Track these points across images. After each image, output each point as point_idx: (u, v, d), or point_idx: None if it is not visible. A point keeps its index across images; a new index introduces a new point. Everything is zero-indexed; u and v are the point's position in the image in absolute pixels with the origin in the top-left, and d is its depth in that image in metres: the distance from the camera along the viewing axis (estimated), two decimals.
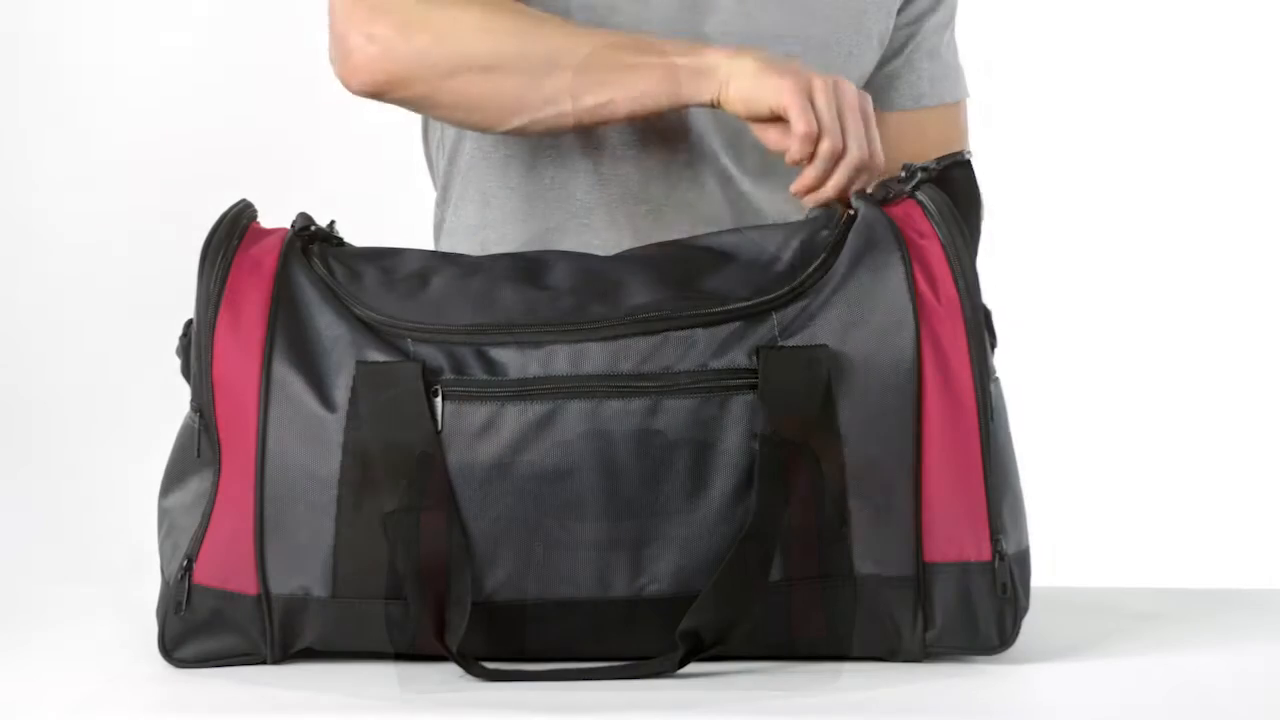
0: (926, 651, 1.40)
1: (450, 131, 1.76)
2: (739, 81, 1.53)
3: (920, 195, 1.44)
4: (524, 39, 1.57)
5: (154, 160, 3.21)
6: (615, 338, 1.39)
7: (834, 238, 1.44)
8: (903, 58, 1.81)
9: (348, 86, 1.61)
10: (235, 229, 1.45)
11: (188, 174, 3.16)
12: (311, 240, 1.47)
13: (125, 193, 3.22)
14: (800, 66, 1.53)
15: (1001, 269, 1.80)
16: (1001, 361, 1.47)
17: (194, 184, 3.06)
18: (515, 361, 1.39)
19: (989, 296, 1.45)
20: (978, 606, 1.39)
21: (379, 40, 1.57)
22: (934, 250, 1.42)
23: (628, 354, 1.39)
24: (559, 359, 1.39)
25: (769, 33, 1.70)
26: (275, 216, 1.51)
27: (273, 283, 1.42)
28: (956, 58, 1.85)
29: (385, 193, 2.78)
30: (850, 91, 1.52)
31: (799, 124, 1.50)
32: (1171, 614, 1.59)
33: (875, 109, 1.59)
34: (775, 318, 1.40)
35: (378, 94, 1.60)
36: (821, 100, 1.51)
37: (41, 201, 3.19)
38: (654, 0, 1.69)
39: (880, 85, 1.80)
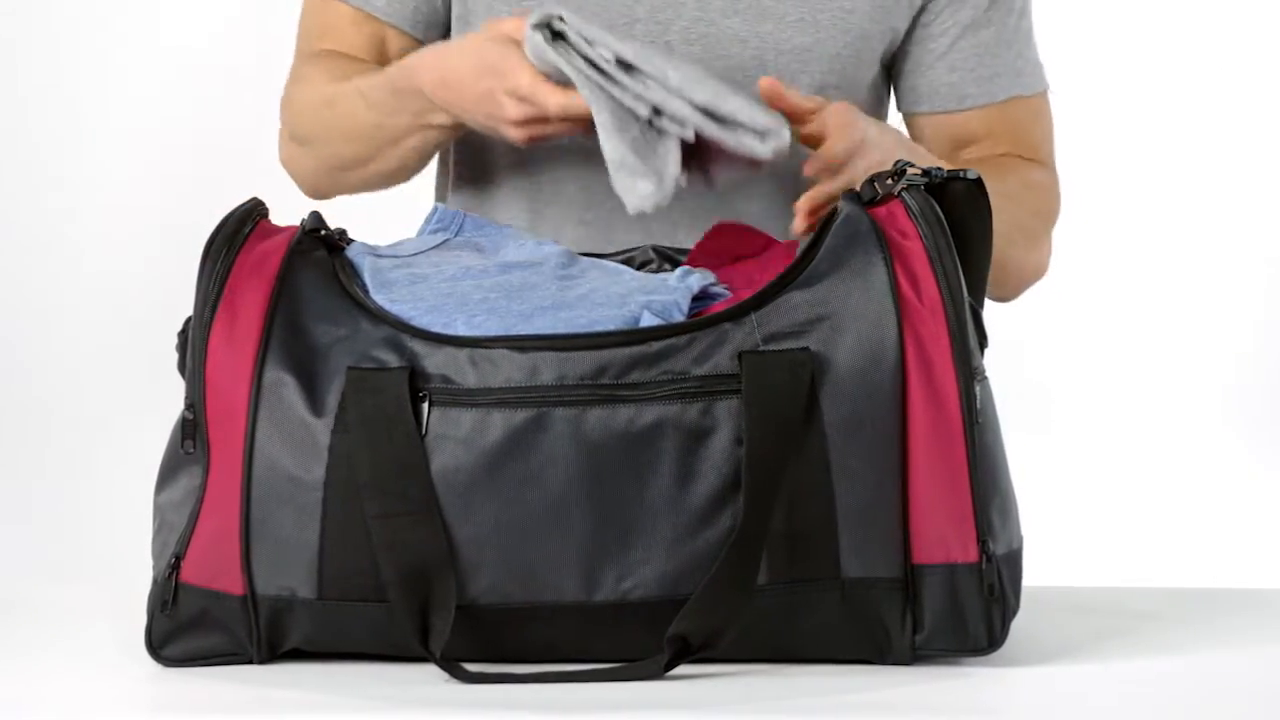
0: (915, 653, 1.40)
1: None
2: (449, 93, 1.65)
3: (905, 195, 1.43)
4: (359, 120, 1.73)
5: (160, 158, 3.22)
6: (600, 346, 1.39)
7: (813, 236, 1.43)
8: (931, 57, 1.80)
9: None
10: (240, 229, 1.45)
11: (194, 173, 3.16)
12: (323, 241, 1.48)
13: (128, 191, 3.22)
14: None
15: None
16: (997, 360, 1.46)
17: (199, 183, 3.06)
18: (503, 368, 1.39)
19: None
20: (966, 608, 1.39)
21: (288, 163, 1.83)
22: (916, 250, 1.41)
23: (612, 362, 1.39)
24: (545, 367, 1.39)
25: (732, 35, 1.73)
26: (289, 215, 1.52)
27: (274, 283, 1.43)
28: (1016, 54, 1.83)
29: (389, 193, 2.78)
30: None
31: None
32: (1167, 614, 1.58)
33: (918, 112, 1.78)
34: (754, 318, 1.39)
35: (321, 199, 1.82)
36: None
37: (40, 200, 3.19)
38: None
39: (917, 87, 1.82)
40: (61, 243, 3.19)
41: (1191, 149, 3.17)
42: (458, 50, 1.64)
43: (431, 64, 1.65)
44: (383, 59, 1.79)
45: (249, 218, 1.46)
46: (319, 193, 1.82)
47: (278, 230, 1.48)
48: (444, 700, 1.33)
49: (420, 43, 1.80)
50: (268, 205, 1.50)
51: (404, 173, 1.77)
